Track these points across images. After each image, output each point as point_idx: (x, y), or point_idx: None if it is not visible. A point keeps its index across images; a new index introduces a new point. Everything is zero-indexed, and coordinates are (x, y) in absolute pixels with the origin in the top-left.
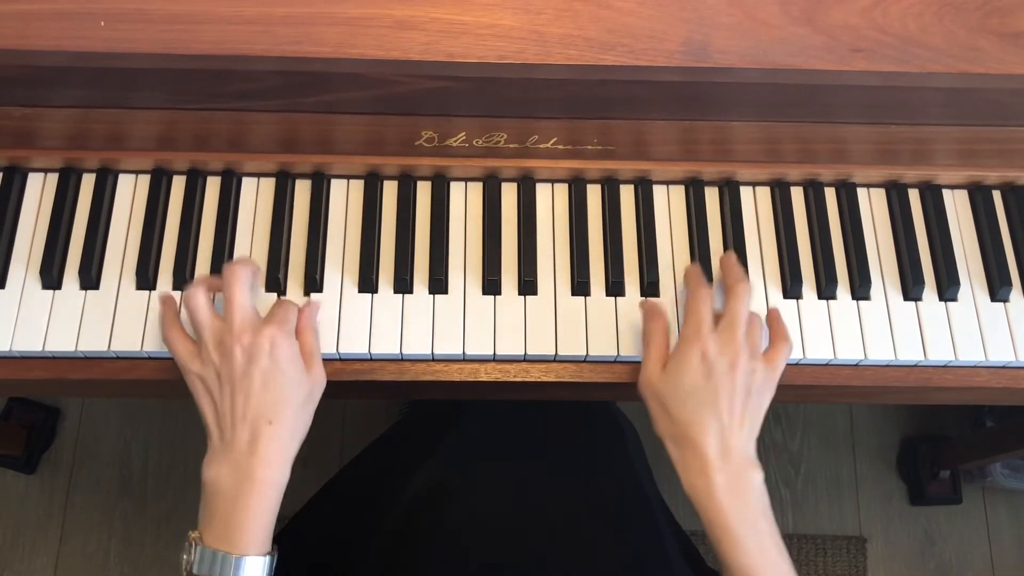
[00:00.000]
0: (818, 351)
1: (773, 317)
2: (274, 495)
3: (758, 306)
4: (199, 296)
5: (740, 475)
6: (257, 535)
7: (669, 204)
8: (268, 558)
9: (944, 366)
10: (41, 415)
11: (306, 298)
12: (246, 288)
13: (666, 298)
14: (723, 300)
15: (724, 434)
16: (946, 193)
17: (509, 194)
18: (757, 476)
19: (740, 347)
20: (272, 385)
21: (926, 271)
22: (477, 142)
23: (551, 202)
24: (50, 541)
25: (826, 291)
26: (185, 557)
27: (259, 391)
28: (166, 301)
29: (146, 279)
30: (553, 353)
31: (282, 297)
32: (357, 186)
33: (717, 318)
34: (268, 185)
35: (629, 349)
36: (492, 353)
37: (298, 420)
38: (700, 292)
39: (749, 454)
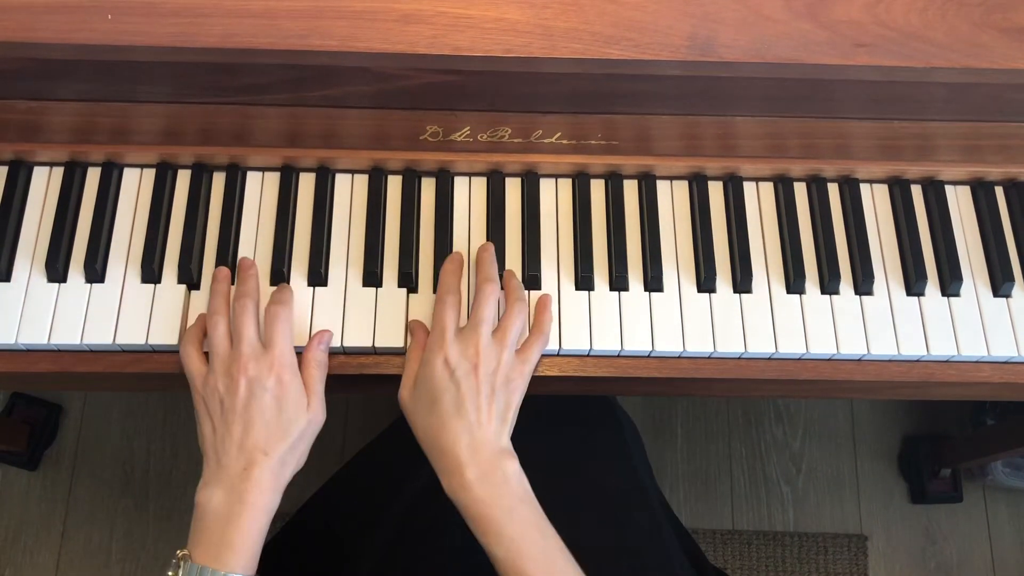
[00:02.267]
0: (821, 346)
1: (539, 307)
2: (264, 520)
3: (761, 301)
4: (219, 324)
5: (492, 466)
6: (245, 556)
7: (673, 199)
8: None
9: (946, 361)
10: (43, 412)
11: (311, 289)
12: (253, 321)
13: (668, 293)
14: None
15: (471, 432)
16: (949, 189)
17: (513, 189)
18: (511, 465)
19: (482, 348)
20: (272, 420)
21: (929, 266)
22: (481, 137)
23: (555, 197)
24: (52, 538)
25: (829, 286)
26: (170, 573)
27: (258, 424)
28: (200, 318)
29: (151, 273)
30: (556, 347)
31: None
32: (361, 180)
33: None
34: (273, 179)
35: (633, 343)
36: None
37: (293, 453)
38: (445, 299)
39: (500, 445)
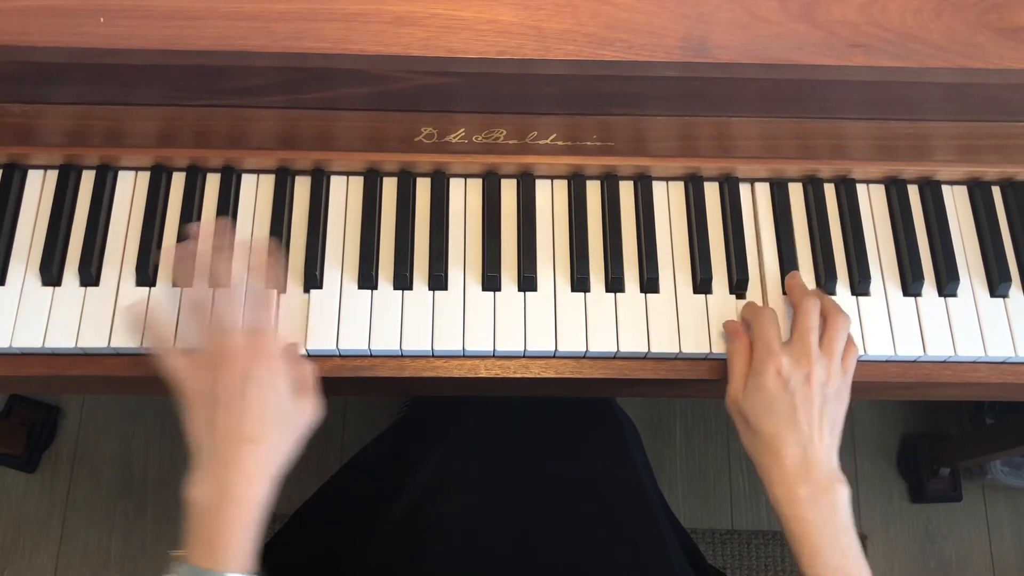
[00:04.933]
0: None
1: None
2: (256, 513)
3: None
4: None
5: (824, 488)
6: (240, 552)
7: (669, 200)
8: None
9: (944, 362)
10: (42, 413)
11: (306, 295)
12: (239, 310)
13: (664, 294)
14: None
15: (805, 446)
16: (945, 189)
17: (509, 190)
18: (842, 492)
19: (813, 359)
20: (263, 409)
21: (925, 267)
22: (477, 138)
23: (551, 198)
24: (51, 540)
25: (825, 287)
26: None
27: (248, 413)
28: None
29: (146, 276)
30: (553, 349)
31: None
32: (357, 182)
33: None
34: (268, 182)
35: (628, 345)
36: (492, 349)
37: (283, 444)
38: (763, 314)
39: (833, 467)
